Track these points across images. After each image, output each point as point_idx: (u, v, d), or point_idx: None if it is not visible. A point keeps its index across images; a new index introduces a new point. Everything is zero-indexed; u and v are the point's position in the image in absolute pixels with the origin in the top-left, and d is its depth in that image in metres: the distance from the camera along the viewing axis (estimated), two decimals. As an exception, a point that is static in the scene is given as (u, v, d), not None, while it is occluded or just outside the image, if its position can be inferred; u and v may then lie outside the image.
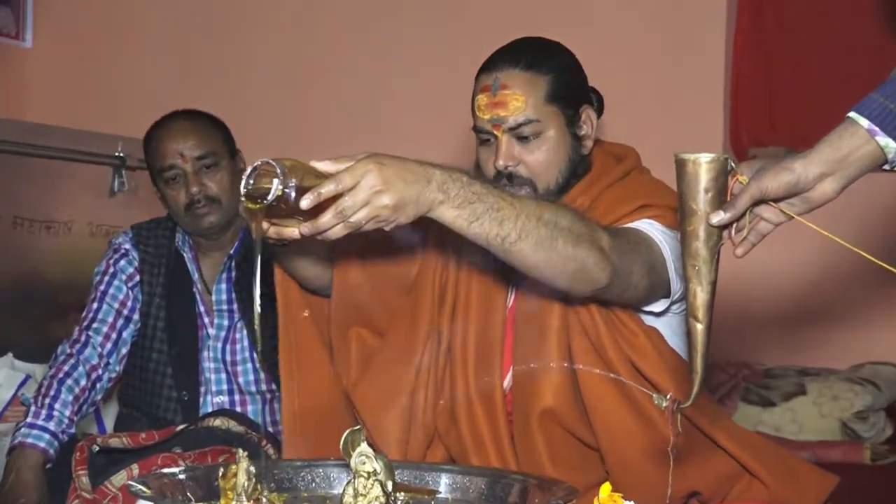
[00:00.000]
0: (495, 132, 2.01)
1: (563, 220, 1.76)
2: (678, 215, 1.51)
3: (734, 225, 1.51)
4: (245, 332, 2.67)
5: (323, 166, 1.63)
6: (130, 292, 2.70)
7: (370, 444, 1.46)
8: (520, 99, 1.99)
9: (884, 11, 3.51)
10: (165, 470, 1.64)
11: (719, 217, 1.47)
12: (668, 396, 1.52)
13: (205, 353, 2.68)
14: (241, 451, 1.51)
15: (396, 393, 2.05)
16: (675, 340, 2.01)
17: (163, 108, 2.76)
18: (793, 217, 1.51)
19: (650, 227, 1.95)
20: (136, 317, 2.70)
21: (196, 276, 2.71)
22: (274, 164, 1.57)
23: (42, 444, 2.47)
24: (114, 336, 2.66)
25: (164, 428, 2.48)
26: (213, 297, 2.70)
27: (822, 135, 1.49)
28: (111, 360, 2.65)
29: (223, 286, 2.70)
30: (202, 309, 2.70)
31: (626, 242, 1.87)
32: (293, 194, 1.57)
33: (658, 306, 1.99)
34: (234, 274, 2.69)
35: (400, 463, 1.69)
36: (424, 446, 2.06)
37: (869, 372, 3.23)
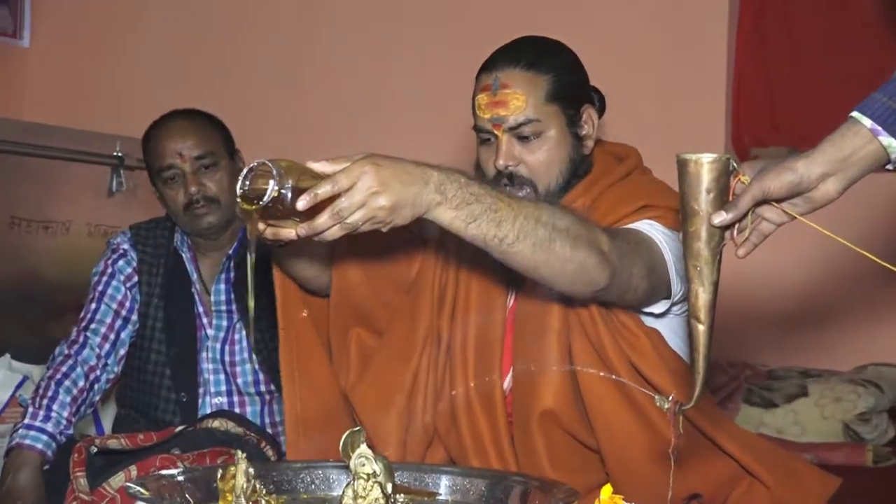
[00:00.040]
0: (495, 132, 2.01)
1: (561, 221, 1.76)
2: (680, 216, 1.50)
3: (736, 225, 1.50)
4: (244, 332, 2.67)
5: (319, 167, 1.62)
6: (129, 293, 2.70)
7: (369, 446, 1.46)
8: (520, 98, 1.99)
9: (885, 11, 3.50)
10: (164, 471, 1.63)
11: (721, 217, 1.46)
12: (670, 398, 1.52)
13: (203, 354, 2.68)
14: (239, 452, 1.50)
15: (395, 393, 2.05)
16: (676, 342, 2.01)
17: (161, 108, 2.75)
18: (795, 217, 1.51)
19: (651, 229, 1.94)
20: (134, 317, 2.69)
21: (195, 277, 2.71)
22: (270, 165, 1.56)
23: (40, 446, 2.46)
24: (112, 337, 2.65)
25: (162, 429, 2.48)
26: (212, 298, 2.69)
27: (824, 135, 1.49)
28: (109, 361, 2.64)
29: (222, 287, 2.69)
30: (201, 309, 2.70)
31: (626, 243, 1.87)
32: (289, 195, 1.56)
33: (659, 308, 1.98)
34: (232, 274, 2.69)
35: (400, 464, 1.68)
36: (423, 447, 2.06)
37: (872, 373, 3.22)
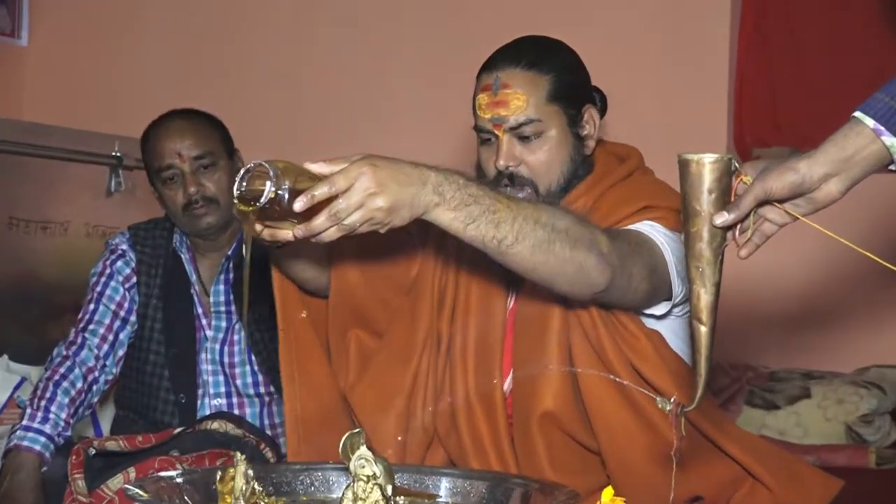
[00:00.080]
0: (496, 132, 2.00)
1: (560, 222, 1.75)
2: (681, 216, 1.50)
3: (738, 226, 1.50)
4: (243, 333, 2.66)
5: (317, 168, 1.62)
6: (127, 294, 2.69)
7: (369, 447, 1.45)
8: (521, 98, 1.98)
9: (887, 11, 3.50)
10: (163, 473, 1.63)
11: (723, 218, 1.46)
12: (672, 400, 1.51)
13: (202, 356, 2.67)
14: (238, 454, 1.50)
15: (394, 394, 2.04)
16: (677, 343, 2.00)
17: (160, 108, 2.75)
18: (797, 218, 1.51)
19: (652, 230, 1.93)
20: (132, 318, 2.69)
21: (194, 278, 2.70)
22: (267, 166, 1.56)
23: (38, 448, 2.46)
24: (110, 338, 2.65)
25: (161, 431, 2.48)
26: (211, 299, 2.69)
27: (826, 135, 1.49)
28: (108, 363, 2.64)
29: (221, 287, 2.69)
30: (200, 310, 2.69)
31: (627, 245, 1.86)
32: (286, 197, 1.56)
33: (659, 309, 1.97)
34: (231, 275, 2.68)
35: (400, 466, 1.68)
36: (423, 449, 2.05)
37: (874, 375, 3.22)
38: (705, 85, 3.58)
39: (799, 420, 3.14)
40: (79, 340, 2.62)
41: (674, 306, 1.98)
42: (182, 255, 2.70)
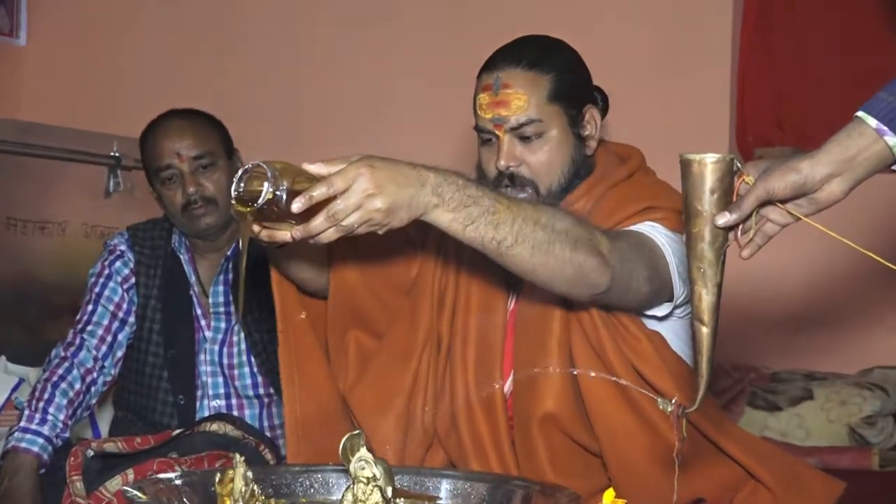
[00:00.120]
0: (497, 132, 2.00)
1: (560, 223, 1.75)
2: (683, 217, 1.50)
3: (740, 226, 1.49)
4: (242, 334, 2.65)
5: (315, 169, 1.61)
6: (126, 294, 2.68)
7: (368, 449, 1.45)
8: (522, 98, 1.98)
9: (890, 11, 3.49)
10: (161, 475, 1.63)
11: (725, 218, 1.45)
12: (673, 401, 1.50)
13: (201, 357, 2.66)
14: (238, 456, 1.50)
15: (393, 396, 2.04)
16: (678, 345, 2.00)
17: (159, 108, 2.75)
18: (800, 218, 1.50)
19: (653, 230, 1.93)
20: (131, 319, 2.68)
21: (193, 279, 2.69)
22: (265, 166, 1.56)
23: (36, 449, 2.45)
24: (109, 339, 2.64)
25: (160, 432, 2.48)
26: (210, 300, 2.68)
27: (829, 135, 1.48)
28: (106, 364, 2.63)
29: (220, 288, 2.68)
30: (199, 311, 2.68)
31: (627, 246, 1.86)
32: (284, 197, 1.55)
33: (661, 310, 1.97)
34: (231, 276, 2.67)
35: (400, 468, 1.68)
36: (423, 450, 2.05)
37: (877, 376, 3.21)
38: (707, 84, 3.58)
39: (801, 422, 3.13)
40: (77, 341, 2.61)
41: (675, 307, 1.97)
42: (181, 256, 2.70)
